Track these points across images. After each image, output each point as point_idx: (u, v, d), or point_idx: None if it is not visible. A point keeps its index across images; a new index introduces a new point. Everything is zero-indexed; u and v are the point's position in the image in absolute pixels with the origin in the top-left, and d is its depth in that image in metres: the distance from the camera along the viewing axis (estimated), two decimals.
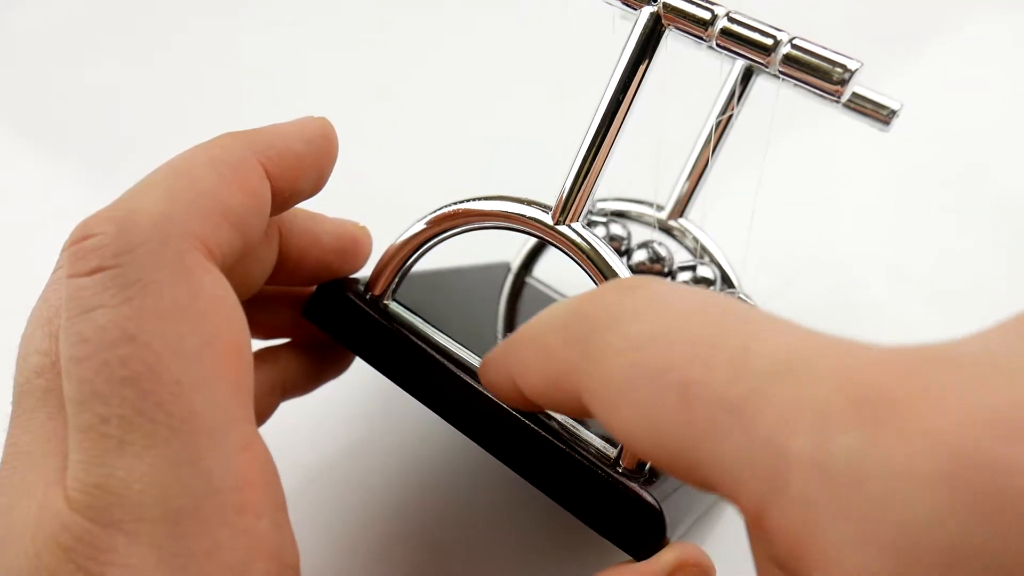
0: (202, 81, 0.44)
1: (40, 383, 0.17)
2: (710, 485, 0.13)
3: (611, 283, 0.17)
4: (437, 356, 0.21)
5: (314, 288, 0.22)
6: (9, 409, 0.31)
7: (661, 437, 0.13)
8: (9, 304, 0.34)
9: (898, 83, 0.42)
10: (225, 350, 0.16)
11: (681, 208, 0.27)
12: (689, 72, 0.25)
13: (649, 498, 0.18)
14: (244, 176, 0.18)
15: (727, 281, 0.27)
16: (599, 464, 0.19)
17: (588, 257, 0.20)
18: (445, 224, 0.21)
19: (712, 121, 0.25)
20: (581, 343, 0.15)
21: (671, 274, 0.27)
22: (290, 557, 0.16)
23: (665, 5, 0.19)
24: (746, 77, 0.24)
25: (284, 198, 0.19)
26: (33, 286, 0.34)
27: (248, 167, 0.18)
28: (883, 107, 0.23)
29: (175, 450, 0.15)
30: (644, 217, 0.28)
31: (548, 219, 0.20)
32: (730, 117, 0.25)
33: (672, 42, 0.20)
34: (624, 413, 0.14)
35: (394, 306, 0.22)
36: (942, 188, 0.38)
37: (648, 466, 0.19)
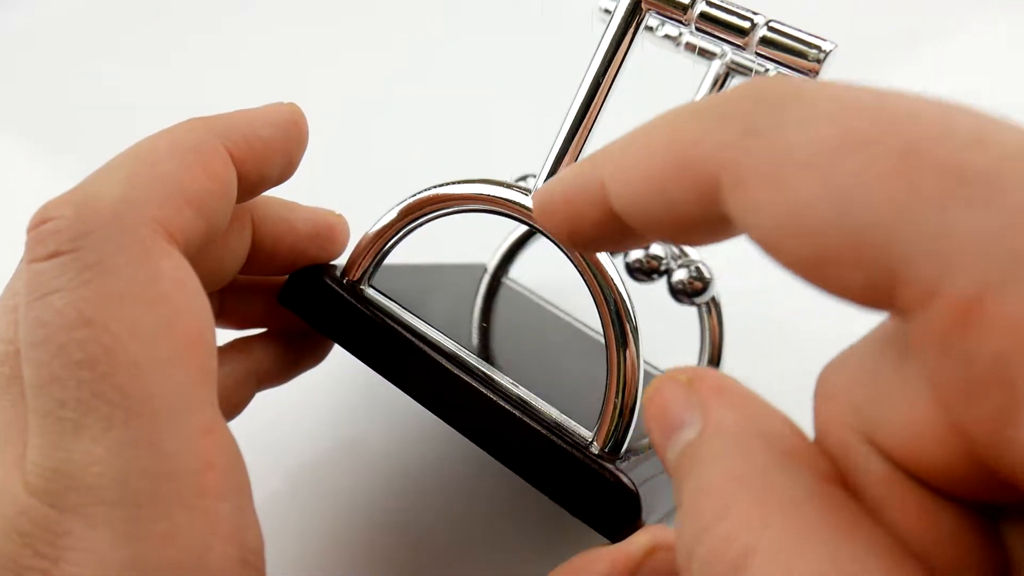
0: (203, 81, 0.44)
1: (4, 371, 0.16)
2: (892, 273, 0.11)
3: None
4: (413, 339, 0.20)
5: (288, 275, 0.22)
6: None
7: (848, 216, 0.11)
8: None
9: (897, 83, 0.42)
10: (185, 333, 0.16)
11: None
12: (667, 79, 0.25)
13: (626, 480, 0.18)
14: (207, 160, 0.18)
15: (701, 278, 0.27)
16: (576, 446, 0.19)
17: (618, 297, 0.19)
18: (426, 208, 0.21)
19: None
20: (739, 118, 0.12)
21: (667, 272, 0.27)
22: (252, 541, 0.16)
23: None
24: (723, 81, 0.24)
25: (251, 183, 0.19)
26: None
27: (211, 151, 0.18)
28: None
29: (133, 433, 0.15)
30: None
31: (529, 201, 0.20)
32: None
33: (652, 46, 0.21)
34: (800, 192, 0.11)
35: (371, 292, 0.22)
36: None
37: (624, 449, 0.19)
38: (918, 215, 0.10)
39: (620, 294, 0.19)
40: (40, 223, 0.16)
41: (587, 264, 0.19)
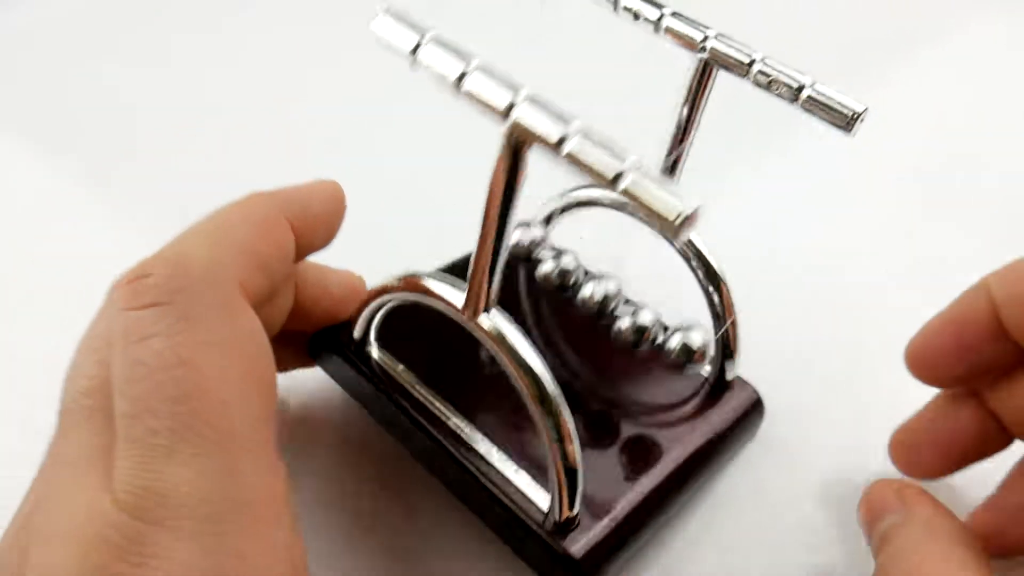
0: (203, 82, 0.44)
1: (87, 403, 0.18)
2: None
3: None
4: (401, 401, 0.25)
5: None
6: (11, 407, 0.32)
7: None
8: (10, 303, 0.34)
9: (895, 84, 0.42)
10: (260, 379, 0.19)
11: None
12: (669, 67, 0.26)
13: (572, 550, 0.22)
14: (273, 230, 0.21)
15: (712, 278, 0.27)
16: (533, 520, 0.23)
17: (501, 346, 0.21)
18: (392, 291, 0.24)
19: (677, 114, 0.26)
20: None
21: (614, 314, 0.27)
22: (300, 558, 0.18)
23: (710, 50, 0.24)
24: (704, 73, 0.25)
25: (303, 249, 0.23)
26: (34, 285, 0.34)
27: (276, 222, 0.21)
28: (842, 112, 0.23)
29: (218, 461, 0.17)
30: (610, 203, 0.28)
31: (462, 308, 0.21)
32: (692, 110, 0.25)
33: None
34: None
35: (373, 350, 0.26)
36: (939, 189, 0.38)
37: (577, 517, 0.23)
38: None
39: (551, 393, 0.21)
40: (139, 277, 0.19)
41: (512, 359, 0.21)
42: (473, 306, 0.21)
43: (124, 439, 0.17)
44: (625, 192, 0.16)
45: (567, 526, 0.23)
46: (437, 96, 0.42)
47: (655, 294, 0.31)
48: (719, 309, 0.27)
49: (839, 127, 0.22)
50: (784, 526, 0.25)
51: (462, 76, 0.17)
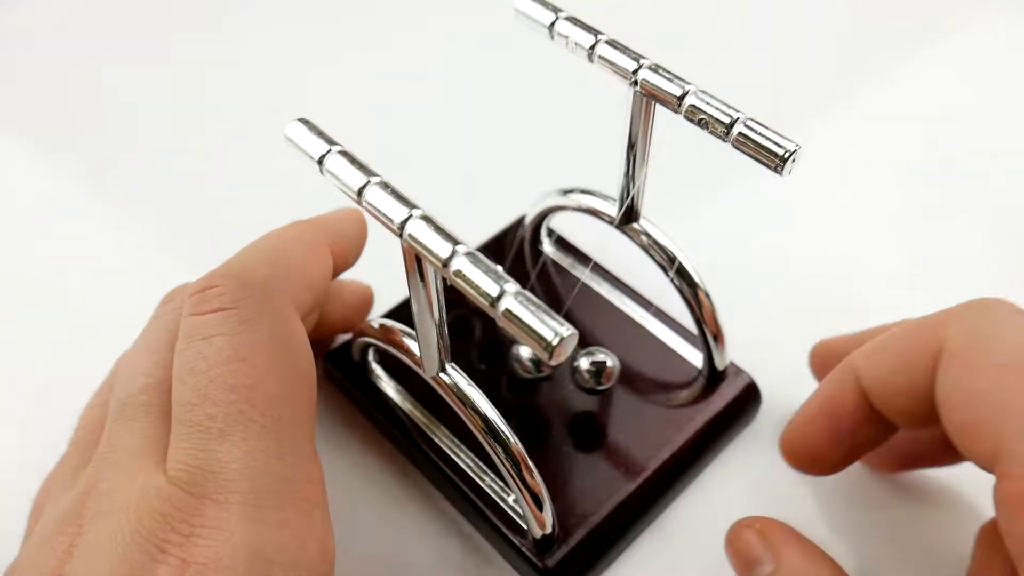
0: (203, 82, 0.44)
1: (143, 399, 0.21)
2: (994, 452, 0.19)
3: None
4: (393, 419, 0.28)
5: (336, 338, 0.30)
6: (11, 407, 0.32)
7: (996, 410, 0.18)
8: (10, 303, 0.34)
9: (896, 83, 0.42)
10: (305, 379, 0.21)
11: (630, 210, 0.27)
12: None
13: (547, 562, 0.25)
14: (318, 253, 0.24)
15: (689, 282, 0.27)
16: (517, 536, 0.25)
17: (461, 401, 0.23)
18: (371, 336, 0.26)
19: (624, 155, 0.25)
20: (968, 321, 0.20)
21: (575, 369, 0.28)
22: (330, 552, 0.20)
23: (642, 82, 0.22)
24: (644, 107, 0.24)
25: (338, 270, 0.26)
26: (34, 285, 0.34)
27: (320, 247, 0.24)
28: (772, 151, 0.21)
29: (266, 444, 0.19)
30: (602, 215, 0.28)
31: (427, 369, 0.23)
32: (633, 148, 0.25)
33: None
34: (978, 381, 0.19)
35: (374, 367, 0.29)
36: (939, 189, 0.38)
37: (555, 532, 0.25)
38: (1007, 408, 0.18)
39: (512, 447, 0.23)
40: (207, 288, 0.21)
41: (473, 412, 0.23)
42: (436, 366, 0.23)
43: (182, 423, 0.19)
44: (503, 315, 0.16)
45: (549, 540, 0.25)
46: (438, 95, 0.43)
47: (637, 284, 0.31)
48: (688, 292, 0.27)
49: (769, 168, 0.21)
50: (777, 517, 0.25)
51: (363, 188, 0.19)
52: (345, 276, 0.28)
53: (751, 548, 0.23)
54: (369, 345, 0.28)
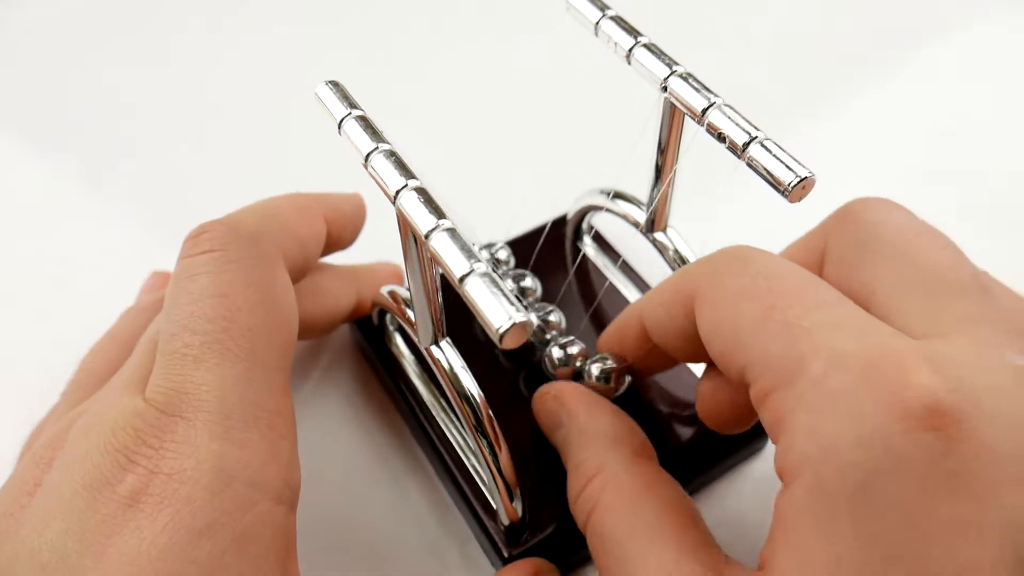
0: (203, 81, 0.44)
1: (141, 348, 0.23)
2: (742, 366, 0.20)
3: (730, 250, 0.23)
4: (406, 395, 0.29)
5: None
6: (11, 406, 0.32)
7: (734, 330, 0.20)
8: (10, 303, 0.34)
9: (895, 84, 0.42)
10: (282, 318, 0.22)
11: (659, 219, 0.27)
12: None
13: (508, 550, 0.25)
14: (310, 217, 0.26)
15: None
16: (487, 520, 0.26)
17: (448, 377, 0.24)
18: (382, 304, 0.27)
19: (653, 160, 0.25)
20: (712, 265, 0.22)
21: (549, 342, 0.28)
22: (294, 479, 0.21)
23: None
24: (672, 115, 0.24)
25: (333, 241, 0.28)
26: (34, 284, 0.34)
27: (313, 212, 0.26)
28: (780, 178, 0.20)
29: (239, 370, 0.20)
30: (631, 220, 0.28)
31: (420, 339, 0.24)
32: (664, 155, 0.25)
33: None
34: (720, 311, 0.21)
35: (395, 337, 0.30)
36: (940, 188, 0.38)
37: (527, 524, 0.25)
38: (757, 341, 0.19)
39: (482, 408, 0.23)
40: (200, 233, 0.22)
41: (454, 389, 0.23)
42: (430, 338, 0.24)
43: (163, 353, 0.21)
44: (466, 293, 0.17)
45: (521, 529, 0.25)
46: (438, 94, 0.43)
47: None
48: None
49: (778, 191, 0.20)
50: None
51: (371, 153, 0.20)
52: (381, 260, 0.31)
53: (551, 414, 0.26)
54: (386, 311, 0.28)
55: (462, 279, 0.17)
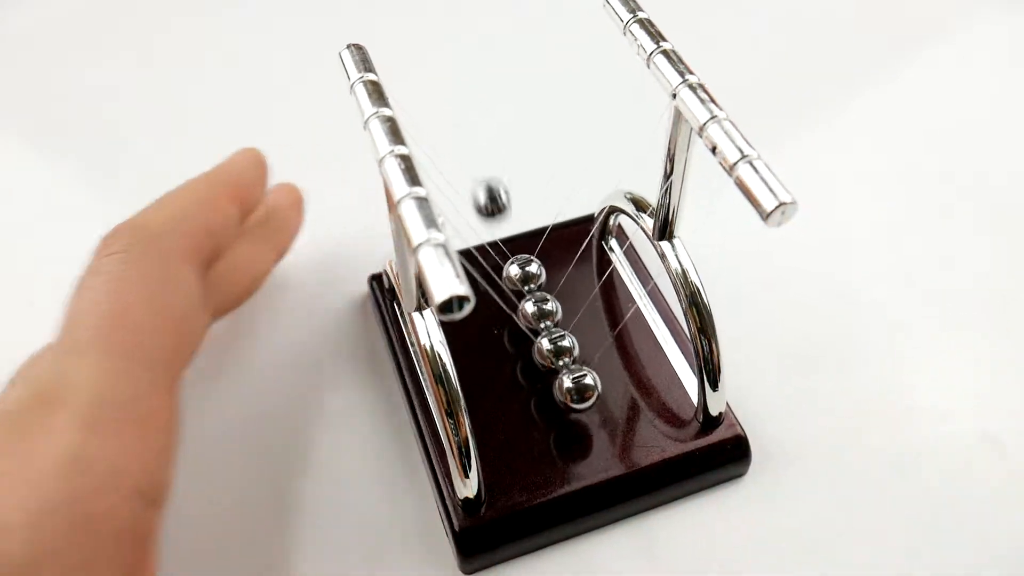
0: (201, 81, 0.44)
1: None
2: None
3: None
4: (400, 361, 0.29)
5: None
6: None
7: None
8: (9, 303, 0.34)
9: (900, 82, 0.42)
10: (176, 320, 0.24)
11: (666, 226, 0.27)
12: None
13: (456, 523, 0.26)
14: (216, 203, 0.27)
15: (700, 321, 0.26)
16: (446, 489, 0.26)
17: (424, 343, 0.24)
18: (387, 272, 0.29)
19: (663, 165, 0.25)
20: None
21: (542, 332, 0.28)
22: (161, 480, 0.21)
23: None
24: (679, 124, 0.24)
25: (246, 211, 0.29)
26: (34, 284, 0.34)
27: (219, 199, 0.27)
28: (761, 201, 0.20)
29: (119, 366, 0.21)
30: (643, 224, 0.28)
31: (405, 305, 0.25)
32: (672, 162, 0.25)
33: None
34: None
35: (400, 306, 0.30)
36: (941, 190, 0.38)
37: (482, 502, 0.26)
38: None
39: (454, 394, 0.24)
40: (111, 235, 0.24)
41: (431, 368, 0.24)
42: (413, 303, 0.25)
43: (56, 346, 0.22)
44: (416, 262, 0.17)
45: (476, 505, 0.26)
46: (437, 93, 0.42)
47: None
48: (694, 329, 0.26)
49: (757, 213, 0.20)
50: None
51: (369, 117, 0.21)
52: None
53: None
54: (392, 279, 0.29)
55: (417, 247, 0.17)
